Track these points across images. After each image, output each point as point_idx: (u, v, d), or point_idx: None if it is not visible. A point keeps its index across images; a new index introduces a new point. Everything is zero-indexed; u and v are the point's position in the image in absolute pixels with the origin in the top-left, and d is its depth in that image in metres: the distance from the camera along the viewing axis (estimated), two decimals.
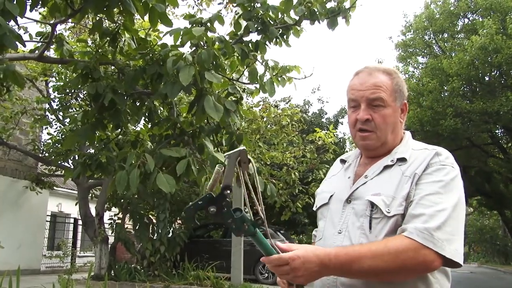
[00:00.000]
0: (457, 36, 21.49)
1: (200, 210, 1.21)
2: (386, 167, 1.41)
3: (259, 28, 3.98)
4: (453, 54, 19.71)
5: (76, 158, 6.51)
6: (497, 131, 22.18)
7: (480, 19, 19.54)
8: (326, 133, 12.16)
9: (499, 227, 34.38)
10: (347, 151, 1.76)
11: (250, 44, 4.01)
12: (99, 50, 4.22)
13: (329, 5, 4.26)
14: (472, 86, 19.96)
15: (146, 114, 4.21)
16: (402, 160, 1.40)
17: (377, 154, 1.46)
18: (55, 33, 4.17)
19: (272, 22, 4.06)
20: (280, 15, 4.16)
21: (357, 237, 1.33)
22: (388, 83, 1.43)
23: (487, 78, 19.62)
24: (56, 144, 12.06)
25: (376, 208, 1.33)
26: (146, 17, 3.66)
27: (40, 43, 4.40)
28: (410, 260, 1.20)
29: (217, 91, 3.89)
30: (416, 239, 1.20)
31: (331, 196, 1.50)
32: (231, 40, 3.93)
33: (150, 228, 11.36)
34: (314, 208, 1.61)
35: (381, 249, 1.21)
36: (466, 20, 21.37)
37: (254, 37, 4.12)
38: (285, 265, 1.22)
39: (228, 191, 1.20)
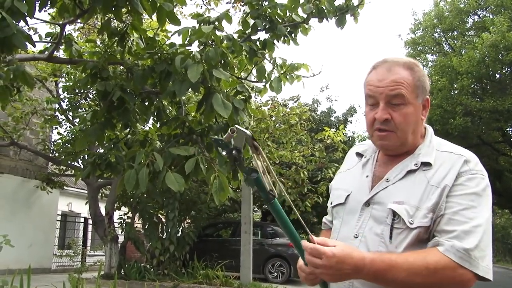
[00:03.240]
0: (467, 34, 21.31)
1: (221, 147, 1.18)
2: (410, 172, 1.33)
3: (267, 26, 3.97)
4: (463, 52, 19.55)
5: (86, 157, 6.56)
6: (508, 129, 21.96)
7: (491, 16, 19.35)
8: (335, 132, 12.13)
9: (510, 226, 34.11)
10: None
11: (258, 43, 4.01)
12: (108, 50, 4.24)
13: (337, 2, 4.24)
14: (483, 84, 19.80)
15: (155, 114, 4.22)
16: (427, 164, 1.32)
17: (396, 153, 1.38)
18: (64, 33, 4.20)
19: (280, 20, 4.05)
20: (288, 13, 4.14)
21: (375, 245, 1.28)
22: (409, 79, 1.33)
23: (497, 76, 19.44)
24: (66, 144, 12.15)
25: (398, 217, 1.26)
26: (154, 17, 3.67)
27: (49, 44, 4.43)
28: (447, 278, 1.16)
29: (225, 90, 3.89)
30: (454, 259, 1.16)
31: (348, 195, 1.43)
32: (239, 39, 3.93)
33: (160, 227, 11.41)
34: (329, 205, 1.53)
35: (419, 263, 1.15)
36: (476, 17, 21.18)
37: (262, 35, 4.12)
38: (317, 258, 1.15)
39: (239, 153, 1.14)
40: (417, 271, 1.15)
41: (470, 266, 1.16)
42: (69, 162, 11.63)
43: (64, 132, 12.50)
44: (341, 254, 1.13)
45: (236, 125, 1.15)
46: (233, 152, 1.14)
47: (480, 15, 21.00)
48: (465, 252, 1.17)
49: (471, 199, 1.24)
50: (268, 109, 11.54)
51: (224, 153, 1.17)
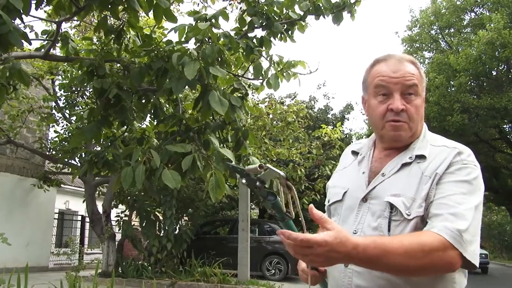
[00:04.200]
0: (464, 31, 21.34)
1: (240, 174, 1.16)
2: (405, 164, 1.34)
3: (263, 24, 3.97)
4: (460, 49, 19.58)
5: (83, 155, 6.55)
6: (504, 126, 22.03)
7: (487, 14, 19.39)
8: (332, 129, 12.13)
9: (507, 222, 34.17)
10: None
11: (254, 40, 4.00)
12: (104, 48, 4.23)
13: None
14: (479, 81, 19.86)
15: (152, 111, 4.22)
16: (421, 157, 1.33)
17: (399, 146, 1.39)
18: (61, 31, 4.18)
19: (276, 18, 4.05)
20: (284, 10, 4.14)
21: None
22: (417, 73, 1.37)
23: (494, 73, 19.49)
24: (63, 142, 12.12)
25: (395, 210, 1.27)
26: (151, 14, 3.66)
27: (45, 42, 4.41)
28: (438, 259, 1.15)
29: (222, 87, 3.89)
30: (448, 238, 1.15)
31: (345, 192, 1.43)
32: (236, 36, 3.92)
33: (157, 225, 11.41)
34: (326, 203, 1.54)
35: (415, 246, 1.13)
36: (473, 14, 21.22)
37: (259, 33, 4.12)
38: (307, 248, 1.08)
39: (263, 184, 1.14)
40: (412, 254, 1.13)
41: (461, 248, 1.16)
42: (66, 160, 11.61)
43: (61, 130, 12.48)
44: (334, 242, 1.07)
45: (268, 165, 1.12)
46: (257, 183, 1.12)
47: (477, 12, 21.03)
48: (458, 232, 1.17)
49: (460, 186, 1.25)
50: (265, 106, 11.55)
51: (243, 181, 1.14)
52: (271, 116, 11.32)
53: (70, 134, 11.58)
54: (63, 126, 12.41)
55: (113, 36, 4.08)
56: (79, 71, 4.19)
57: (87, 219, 13.55)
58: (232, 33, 3.90)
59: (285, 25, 4.16)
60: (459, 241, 1.16)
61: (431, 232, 1.18)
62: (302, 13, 4.16)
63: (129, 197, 11.57)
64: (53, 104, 11.73)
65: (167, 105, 4.63)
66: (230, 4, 5.88)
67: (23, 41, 3.13)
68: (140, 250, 11.68)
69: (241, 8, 4.37)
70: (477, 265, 1.21)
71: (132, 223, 12.21)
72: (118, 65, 4.32)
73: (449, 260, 1.16)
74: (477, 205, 1.25)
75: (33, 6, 3.31)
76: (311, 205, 1.13)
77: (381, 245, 1.13)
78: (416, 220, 1.25)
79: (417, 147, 1.37)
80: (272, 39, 4.06)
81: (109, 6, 3.52)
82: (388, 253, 1.12)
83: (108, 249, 11.07)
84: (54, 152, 12.80)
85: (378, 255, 1.11)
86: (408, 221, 1.25)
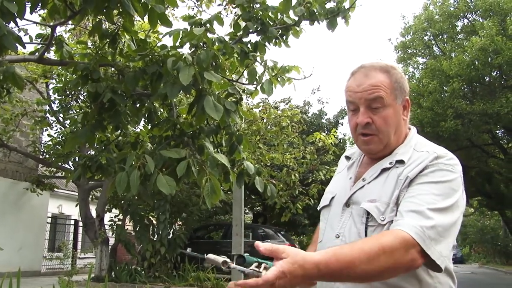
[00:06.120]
0: (457, 37, 21.49)
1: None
2: (384, 170, 1.36)
3: (258, 29, 3.98)
4: (453, 55, 19.72)
5: (77, 159, 6.53)
6: (497, 132, 22.18)
7: (480, 20, 19.55)
8: (326, 134, 12.16)
9: (500, 227, 34.36)
10: None
11: (249, 45, 4.01)
12: (99, 52, 4.22)
13: (328, 5, 4.26)
14: (472, 87, 19.99)
15: (146, 115, 4.21)
16: (401, 162, 1.34)
17: (380, 156, 1.41)
18: (55, 35, 4.17)
19: (271, 23, 4.06)
20: (279, 16, 4.16)
21: None
22: (386, 82, 1.36)
23: (487, 79, 19.63)
24: (57, 146, 12.07)
25: (371, 215, 1.29)
26: (146, 18, 3.66)
27: (40, 45, 4.40)
28: (400, 258, 1.13)
29: (217, 92, 3.89)
30: (411, 233, 1.14)
31: (333, 197, 1.47)
32: (230, 41, 3.93)
33: (151, 230, 11.37)
34: (318, 208, 1.57)
35: (376, 250, 1.11)
36: (466, 20, 21.38)
37: (253, 37, 4.13)
38: (271, 286, 1.06)
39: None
40: (375, 258, 1.11)
41: (423, 244, 1.14)
42: (60, 164, 11.57)
43: (55, 134, 12.44)
44: (291, 270, 1.05)
45: (209, 255, 1.20)
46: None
47: (470, 19, 21.19)
48: (421, 228, 1.16)
49: (431, 187, 1.25)
50: (260, 111, 11.55)
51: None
52: (265, 120, 11.33)
53: (63, 138, 11.54)
54: (56, 130, 12.38)
55: (107, 40, 4.07)
56: (73, 75, 4.18)
57: (80, 223, 13.47)
58: (227, 38, 3.90)
59: (280, 30, 4.17)
60: (421, 237, 1.15)
61: (393, 230, 1.18)
62: (296, 19, 4.18)
63: (122, 202, 11.53)
64: (47, 107, 11.68)
65: (162, 110, 4.63)
66: (225, 9, 5.91)
67: (17, 44, 3.13)
68: (134, 254, 11.63)
69: (235, 13, 4.38)
70: (443, 267, 1.19)
71: (126, 227, 12.16)
72: (113, 69, 4.31)
73: (411, 257, 1.14)
74: (448, 206, 1.23)
75: (28, 9, 3.31)
76: (257, 243, 1.15)
77: (342, 258, 1.10)
78: (390, 224, 1.25)
79: (400, 152, 1.38)
80: (266, 44, 4.07)
81: (104, 10, 3.52)
82: (351, 264, 1.10)
83: (101, 254, 11.01)
84: (47, 156, 12.74)
85: (341, 268, 1.10)
86: (382, 226, 1.27)
